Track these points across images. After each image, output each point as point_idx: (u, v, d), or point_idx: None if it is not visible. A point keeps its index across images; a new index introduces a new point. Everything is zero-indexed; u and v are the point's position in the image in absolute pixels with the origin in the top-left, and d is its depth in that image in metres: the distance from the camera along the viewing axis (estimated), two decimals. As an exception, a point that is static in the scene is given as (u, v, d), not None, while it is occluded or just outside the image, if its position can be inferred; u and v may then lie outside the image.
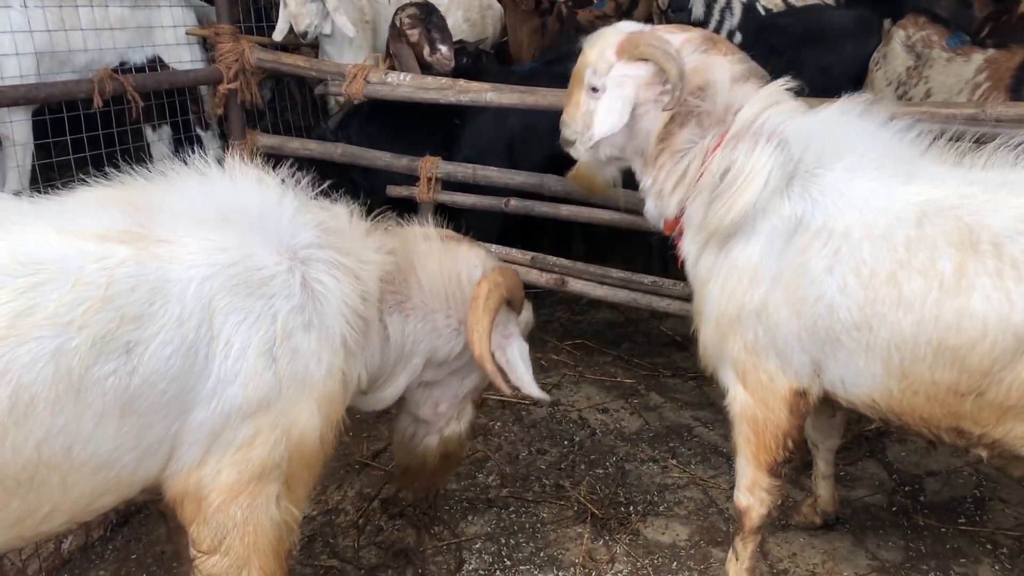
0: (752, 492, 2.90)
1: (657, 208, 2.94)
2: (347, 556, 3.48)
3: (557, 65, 5.28)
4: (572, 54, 5.33)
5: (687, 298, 4.19)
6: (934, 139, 2.65)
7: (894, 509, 3.72)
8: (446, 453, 3.12)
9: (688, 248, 2.88)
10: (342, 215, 2.57)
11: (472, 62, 5.91)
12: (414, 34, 5.04)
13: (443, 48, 5.01)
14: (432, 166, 4.64)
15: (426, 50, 5.03)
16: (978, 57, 4.54)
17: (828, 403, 2.84)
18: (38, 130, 4.61)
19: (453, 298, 2.81)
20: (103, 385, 2.00)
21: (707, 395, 4.65)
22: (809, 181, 2.60)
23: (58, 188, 2.33)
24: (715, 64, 2.75)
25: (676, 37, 2.78)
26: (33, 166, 4.59)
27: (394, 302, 2.69)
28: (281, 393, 2.27)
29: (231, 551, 2.32)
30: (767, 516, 2.94)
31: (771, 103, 2.71)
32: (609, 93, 2.80)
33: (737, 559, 3.02)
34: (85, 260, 2.00)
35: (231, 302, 2.19)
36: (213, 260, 2.18)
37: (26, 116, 4.46)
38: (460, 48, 5.77)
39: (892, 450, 4.14)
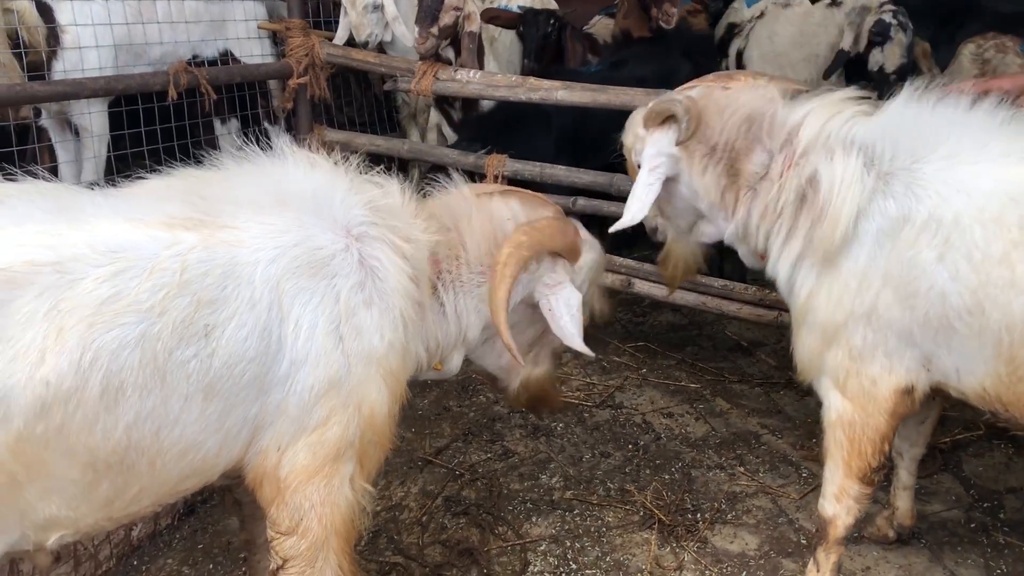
0: (839, 500, 2.84)
1: (749, 247, 2.95)
2: (411, 553, 3.47)
3: (623, 69, 5.24)
4: (638, 57, 5.32)
5: (757, 303, 4.14)
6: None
7: (972, 525, 3.60)
8: (532, 396, 3.04)
9: (778, 268, 2.82)
10: (394, 192, 2.55)
11: (556, 34, 5.79)
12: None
13: (418, 28, 4.77)
14: (499, 164, 4.61)
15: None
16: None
17: (925, 405, 2.79)
18: (113, 121, 4.67)
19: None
20: (186, 368, 2.01)
21: (775, 402, 4.56)
22: (908, 176, 2.55)
23: (130, 179, 2.35)
24: (744, 94, 2.81)
25: (694, 87, 2.89)
26: (108, 157, 4.65)
27: (447, 279, 2.66)
28: (350, 371, 2.27)
29: (309, 532, 2.33)
30: (853, 526, 2.87)
31: (832, 113, 2.71)
32: (639, 178, 2.92)
33: (818, 570, 2.95)
34: (158, 247, 2.02)
35: (296, 283, 2.20)
36: (276, 243, 2.20)
37: (103, 107, 4.53)
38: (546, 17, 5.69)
39: (969, 464, 4.01)
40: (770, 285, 4.09)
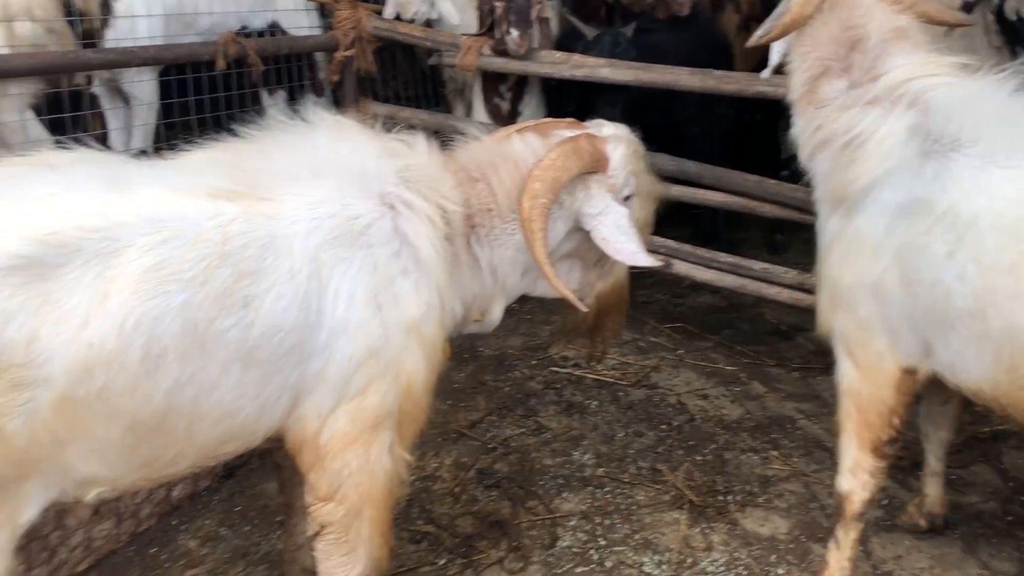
0: (855, 474, 2.82)
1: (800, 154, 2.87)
2: (443, 523, 3.52)
3: (651, 36, 5.21)
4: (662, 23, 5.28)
5: (798, 287, 4.11)
6: None
7: (1009, 519, 3.55)
8: (602, 311, 2.96)
9: (820, 206, 2.81)
10: (422, 153, 2.54)
11: None
12: (499, 7, 4.90)
13: (514, 32, 4.72)
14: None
15: (504, 27, 4.78)
16: None
17: (939, 387, 2.76)
18: (162, 90, 4.75)
19: None
20: (225, 337, 2.05)
21: (812, 387, 4.53)
22: (942, 161, 2.49)
23: (177, 148, 2.39)
24: (874, 10, 2.67)
25: None
26: (157, 125, 4.73)
27: (480, 232, 2.63)
28: (388, 340, 2.30)
29: (346, 500, 2.37)
30: (870, 502, 2.86)
31: (924, 73, 2.60)
32: None
33: (838, 548, 2.93)
34: (201, 217, 2.06)
35: (335, 253, 2.23)
36: (314, 214, 2.23)
37: (153, 76, 4.60)
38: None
39: (1008, 456, 3.96)
40: (811, 269, 4.08)
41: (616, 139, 2.76)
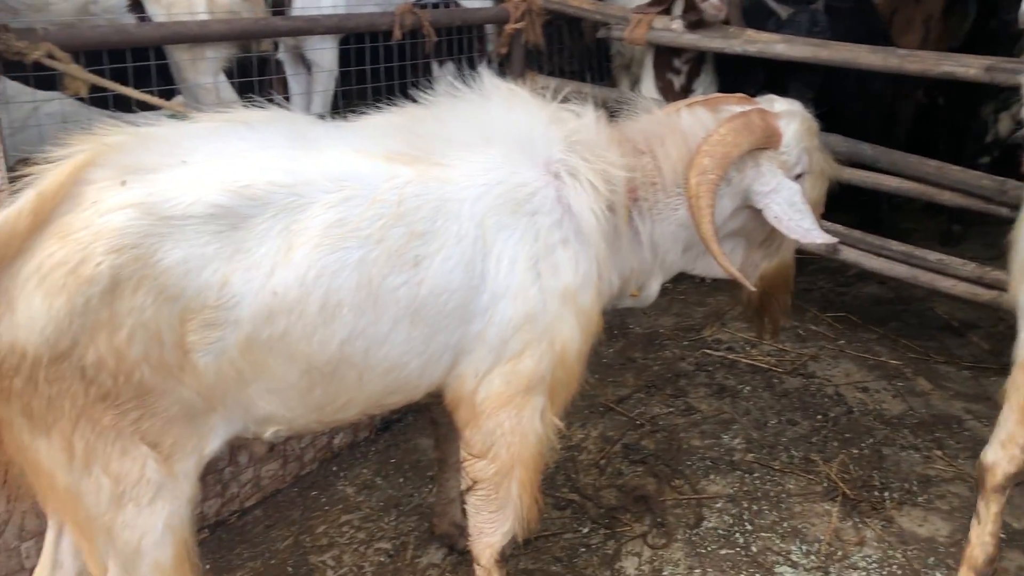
0: (1005, 447, 2.67)
1: None
2: (587, 493, 3.56)
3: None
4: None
5: (976, 280, 3.88)
6: None
7: None
8: (767, 291, 2.92)
9: None
10: (590, 124, 2.54)
11: None
12: None
13: None
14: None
15: None
16: None
17: None
18: (341, 58, 4.95)
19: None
20: (396, 294, 2.15)
21: (984, 388, 4.27)
22: None
23: (353, 114, 2.50)
24: None
25: None
26: (335, 92, 4.94)
27: (643, 206, 2.62)
28: (545, 307, 2.35)
29: (497, 458, 2.46)
30: (1013, 476, 2.69)
31: None
32: None
33: (979, 522, 2.80)
34: (379, 179, 2.16)
35: (500, 220, 2.29)
36: (482, 180, 2.29)
37: (334, 44, 4.81)
38: None
39: None
40: (991, 262, 3.85)
41: (789, 114, 2.69)
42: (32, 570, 2.36)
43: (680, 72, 5.09)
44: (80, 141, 1.94)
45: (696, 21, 4.58)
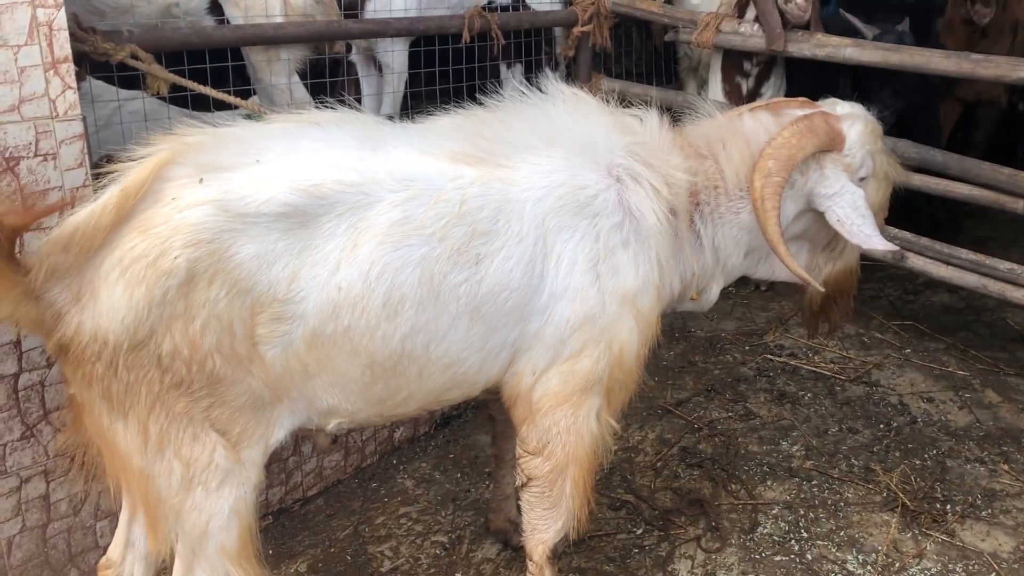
0: None
1: None
2: (643, 495, 3.58)
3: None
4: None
5: (1048, 292, 3.78)
6: None
7: None
8: (832, 292, 2.90)
9: None
10: (653, 126, 2.58)
11: None
12: None
13: None
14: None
15: None
16: None
17: None
18: (412, 60, 5.04)
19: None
20: (457, 291, 2.21)
21: (1056, 402, 4.17)
22: None
23: (422, 115, 2.57)
24: None
25: None
26: (405, 93, 5.04)
27: (705, 210, 2.64)
28: (604, 308, 2.38)
29: (552, 456, 2.50)
30: None
31: None
32: None
33: None
34: (443, 179, 2.22)
35: (560, 221, 2.33)
36: (544, 183, 2.34)
37: (404, 47, 4.90)
38: None
39: None
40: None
41: (852, 117, 2.69)
42: (106, 548, 2.48)
43: (749, 75, 5.05)
44: (161, 140, 2.04)
45: (791, 28, 4.51)
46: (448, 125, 2.46)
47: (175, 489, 2.06)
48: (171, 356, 1.94)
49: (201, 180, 1.97)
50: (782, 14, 4.45)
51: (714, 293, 2.82)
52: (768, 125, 2.64)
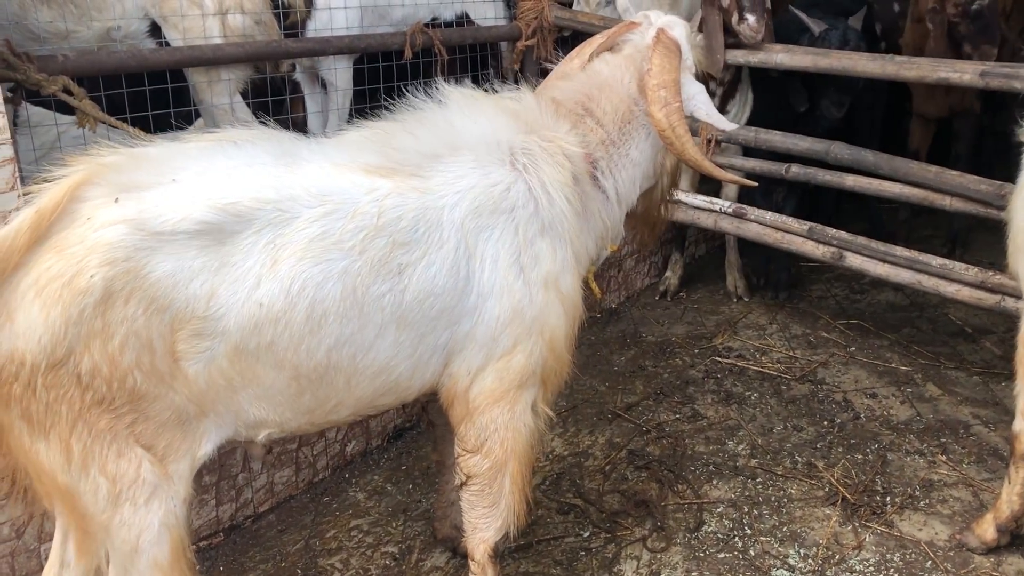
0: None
1: None
2: (591, 498, 3.63)
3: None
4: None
5: (979, 285, 3.89)
6: None
7: None
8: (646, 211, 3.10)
9: None
10: (532, 107, 2.65)
11: None
12: None
13: (750, 18, 4.47)
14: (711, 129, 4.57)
15: (734, 17, 4.52)
16: None
17: None
18: (356, 77, 5.09)
19: (634, 123, 2.77)
20: (381, 302, 2.26)
21: (993, 393, 4.27)
22: None
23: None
24: None
25: None
26: (351, 110, 5.08)
27: (602, 165, 2.74)
28: (532, 299, 2.46)
29: (491, 453, 2.57)
30: None
31: None
32: None
33: (1009, 483, 3.14)
34: (359, 192, 2.26)
35: (479, 222, 2.40)
36: (457, 187, 2.40)
37: (348, 64, 4.94)
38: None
39: None
40: (993, 266, 3.85)
41: (673, 23, 2.84)
42: (49, 570, 2.49)
43: (714, 95, 4.99)
44: (77, 161, 2.08)
45: (732, 43, 4.57)
46: (359, 138, 2.50)
47: (103, 506, 2.08)
48: (91, 374, 1.96)
49: (117, 199, 2.00)
50: (736, 35, 4.51)
51: (621, 229, 2.93)
52: (618, 63, 2.79)
